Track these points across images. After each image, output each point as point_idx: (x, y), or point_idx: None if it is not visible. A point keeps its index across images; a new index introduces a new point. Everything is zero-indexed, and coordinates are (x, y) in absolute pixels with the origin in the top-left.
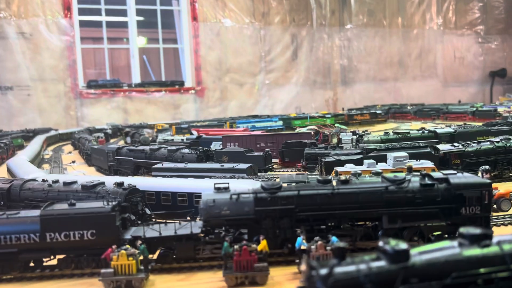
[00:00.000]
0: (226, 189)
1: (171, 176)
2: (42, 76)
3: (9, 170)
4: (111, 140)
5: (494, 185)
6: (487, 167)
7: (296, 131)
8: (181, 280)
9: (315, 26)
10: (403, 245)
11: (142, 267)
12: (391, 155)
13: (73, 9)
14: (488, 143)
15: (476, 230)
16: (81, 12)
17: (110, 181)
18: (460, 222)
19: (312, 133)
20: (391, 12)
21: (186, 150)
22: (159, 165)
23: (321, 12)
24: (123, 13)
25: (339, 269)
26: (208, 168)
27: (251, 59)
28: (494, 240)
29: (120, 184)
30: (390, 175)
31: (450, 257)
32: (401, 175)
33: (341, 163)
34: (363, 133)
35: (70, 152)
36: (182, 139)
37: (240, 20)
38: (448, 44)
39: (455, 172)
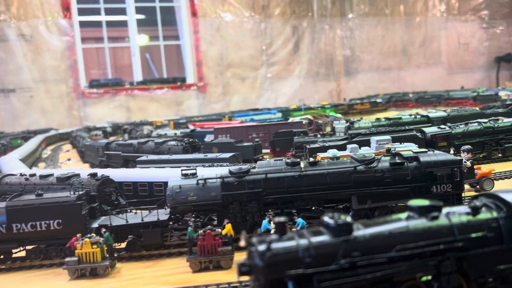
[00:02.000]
0: (194, 175)
1: (156, 168)
2: (44, 77)
3: None
4: (111, 138)
5: (477, 165)
6: (469, 146)
7: (288, 121)
8: (147, 267)
9: (316, 17)
10: (345, 219)
11: (107, 255)
12: (374, 139)
13: (72, 10)
14: (476, 124)
15: (424, 202)
16: (81, 12)
17: (87, 173)
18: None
19: (304, 123)
20: (393, 0)
21: (173, 142)
22: (143, 157)
23: (322, 3)
24: (124, 12)
25: (277, 245)
26: (191, 158)
27: (252, 53)
28: (444, 212)
29: (93, 175)
30: (359, 155)
31: (395, 230)
32: (370, 155)
33: (324, 149)
34: (355, 120)
35: (68, 151)
36: (175, 133)
37: (240, 14)
38: (452, 31)
39: (426, 150)
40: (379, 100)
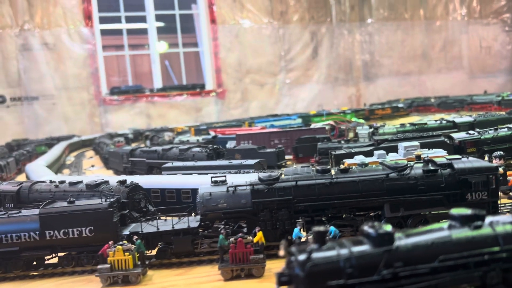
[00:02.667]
0: (223, 182)
1: (182, 175)
2: (66, 85)
3: (26, 175)
4: (132, 144)
5: (510, 172)
6: (501, 152)
7: (311, 126)
8: (178, 275)
9: (334, 23)
10: (386, 228)
11: (139, 262)
12: (401, 145)
13: (94, 18)
14: (506, 129)
15: (467, 211)
16: (103, 20)
17: (115, 180)
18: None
19: (327, 128)
20: (413, 5)
21: (197, 149)
22: (169, 164)
23: (341, 8)
24: (144, 19)
25: (318, 254)
26: (216, 165)
27: (270, 59)
28: (487, 221)
29: (122, 182)
30: (391, 162)
31: (438, 239)
32: (403, 162)
33: (351, 155)
34: (378, 125)
35: (91, 157)
36: (197, 140)
37: (258, 20)
38: (473, 34)
39: (460, 157)
40: (400, 105)
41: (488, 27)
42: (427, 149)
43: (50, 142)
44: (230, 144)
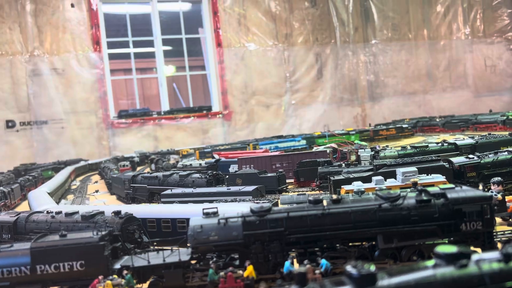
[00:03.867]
0: (215, 213)
1: (180, 202)
2: (75, 109)
3: (28, 202)
4: (138, 168)
5: (509, 197)
6: (499, 178)
7: (313, 149)
8: None
9: (339, 44)
10: (369, 268)
11: None
12: (399, 171)
13: (102, 43)
14: (506, 153)
15: (452, 249)
16: (110, 45)
17: (112, 209)
18: (462, 238)
19: (328, 152)
20: (416, 25)
21: (197, 175)
22: (168, 191)
23: (345, 30)
24: (151, 44)
25: None
26: (215, 192)
27: (276, 81)
28: (473, 259)
29: (117, 213)
30: (384, 192)
31: (422, 279)
32: (396, 191)
33: (349, 181)
34: (379, 148)
35: (96, 182)
36: (200, 164)
37: (263, 43)
38: (478, 53)
39: (453, 186)
40: (405, 126)
41: (492, 45)
42: (425, 174)
43: (58, 166)
44: (233, 168)
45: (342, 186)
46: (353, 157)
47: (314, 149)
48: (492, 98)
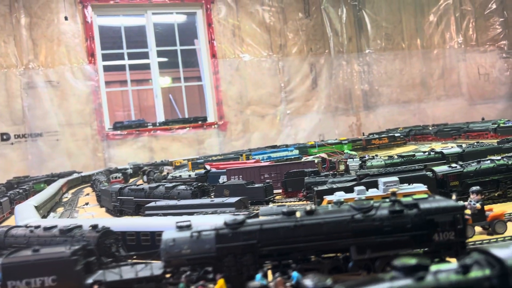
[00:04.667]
0: (188, 227)
1: (164, 214)
2: (70, 121)
3: (15, 216)
4: (131, 180)
5: (488, 206)
6: (478, 187)
7: (302, 159)
8: None
9: (333, 54)
10: (326, 282)
11: None
12: (381, 181)
13: (96, 55)
14: (489, 161)
15: (410, 261)
16: (105, 57)
17: (88, 224)
18: (435, 249)
19: (316, 162)
20: (409, 34)
21: (182, 187)
22: (152, 204)
23: (338, 40)
24: (146, 55)
25: None
26: (198, 204)
27: (271, 91)
28: (431, 271)
29: (94, 227)
30: (358, 202)
31: None
32: (369, 202)
33: (332, 191)
34: (367, 158)
35: (87, 194)
36: (189, 175)
37: (258, 53)
38: (471, 62)
39: (426, 196)
40: (397, 134)
41: (485, 54)
42: (407, 184)
43: (50, 179)
44: (222, 179)
45: (324, 197)
46: (342, 167)
47: (303, 159)
48: (486, 106)
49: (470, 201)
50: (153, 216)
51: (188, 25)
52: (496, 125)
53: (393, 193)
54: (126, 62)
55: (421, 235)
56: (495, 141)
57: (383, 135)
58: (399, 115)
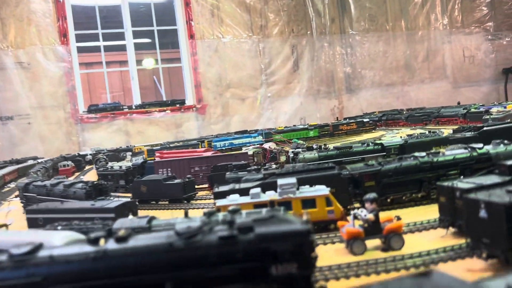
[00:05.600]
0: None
1: (43, 219)
2: (42, 104)
3: None
4: (87, 167)
5: (385, 215)
6: (373, 194)
7: (233, 152)
8: None
9: (315, 35)
10: None
11: None
12: (279, 182)
13: (69, 36)
14: (412, 158)
15: None
16: (79, 38)
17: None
18: (271, 285)
19: (253, 153)
20: (394, 16)
21: (80, 185)
22: (33, 206)
23: (321, 21)
24: (122, 36)
25: None
26: (78, 208)
27: (251, 73)
28: None
29: None
30: (183, 226)
31: None
32: (196, 224)
33: (232, 192)
34: (300, 149)
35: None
36: (121, 166)
37: (238, 34)
38: (456, 44)
39: (267, 217)
40: (366, 120)
41: (470, 36)
42: (308, 185)
43: (8, 165)
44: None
45: (216, 201)
46: (283, 158)
47: (244, 149)
48: (471, 88)
49: (361, 211)
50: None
51: (168, 5)
52: (466, 111)
53: (271, 203)
54: (101, 43)
55: (254, 267)
56: (449, 129)
57: (351, 121)
58: (382, 98)
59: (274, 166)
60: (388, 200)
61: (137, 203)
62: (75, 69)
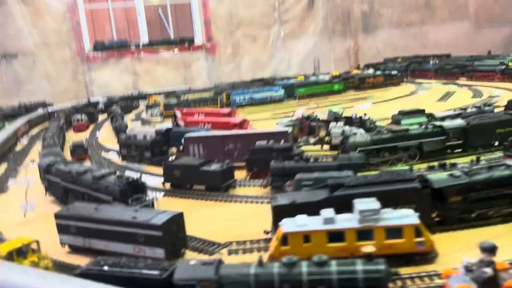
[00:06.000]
0: None
1: (76, 228)
2: (46, 41)
3: None
4: (99, 118)
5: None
6: (491, 243)
7: (275, 126)
8: None
9: None
10: None
11: None
12: (357, 206)
13: None
14: (504, 167)
15: None
16: None
17: None
18: None
19: (289, 132)
20: None
21: (112, 178)
22: (63, 210)
23: None
24: None
25: None
26: (117, 221)
27: (264, 10)
28: None
29: None
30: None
31: None
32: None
33: (293, 209)
34: (355, 118)
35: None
36: (145, 136)
37: None
38: None
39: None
40: (394, 72)
41: None
42: (390, 208)
43: (17, 113)
44: (185, 140)
45: (280, 226)
46: (322, 132)
47: (276, 124)
48: (493, 30)
49: (477, 263)
50: None
51: None
52: (504, 66)
53: (369, 256)
54: None
55: None
56: (502, 106)
57: (378, 73)
58: (399, 39)
59: (312, 140)
60: (473, 215)
61: (170, 186)
62: (80, 4)
